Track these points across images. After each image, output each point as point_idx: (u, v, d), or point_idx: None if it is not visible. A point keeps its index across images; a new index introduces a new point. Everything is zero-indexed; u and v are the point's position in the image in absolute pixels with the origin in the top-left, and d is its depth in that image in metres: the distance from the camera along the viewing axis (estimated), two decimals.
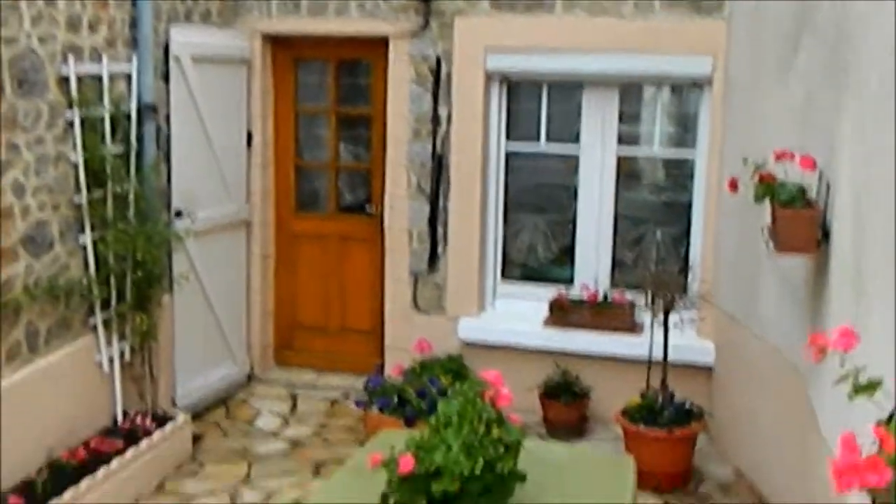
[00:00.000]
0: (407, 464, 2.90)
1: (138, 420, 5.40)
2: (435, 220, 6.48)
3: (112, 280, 5.30)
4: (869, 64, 3.50)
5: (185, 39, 5.92)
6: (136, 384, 5.59)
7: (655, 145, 6.60)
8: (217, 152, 6.32)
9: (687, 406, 5.42)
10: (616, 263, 6.46)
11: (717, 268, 5.89)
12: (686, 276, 5.76)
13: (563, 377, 6.06)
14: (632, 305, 6.16)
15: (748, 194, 4.26)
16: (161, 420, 5.49)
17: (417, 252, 6.55)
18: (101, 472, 4.84)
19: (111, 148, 5.26)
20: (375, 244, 6.78)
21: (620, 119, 6.34)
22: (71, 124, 5.05)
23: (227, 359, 6.59)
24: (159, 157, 5.74)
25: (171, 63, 5.82)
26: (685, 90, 6.37)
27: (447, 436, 2.99)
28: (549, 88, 6.50)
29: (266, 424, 6.25)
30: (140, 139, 5.53)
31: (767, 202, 4.17)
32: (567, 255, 6.60)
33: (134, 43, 5.53)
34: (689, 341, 5.90)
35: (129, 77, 5.50)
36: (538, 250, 6.77)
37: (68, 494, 4.58)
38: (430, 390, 5.58)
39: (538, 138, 6.53)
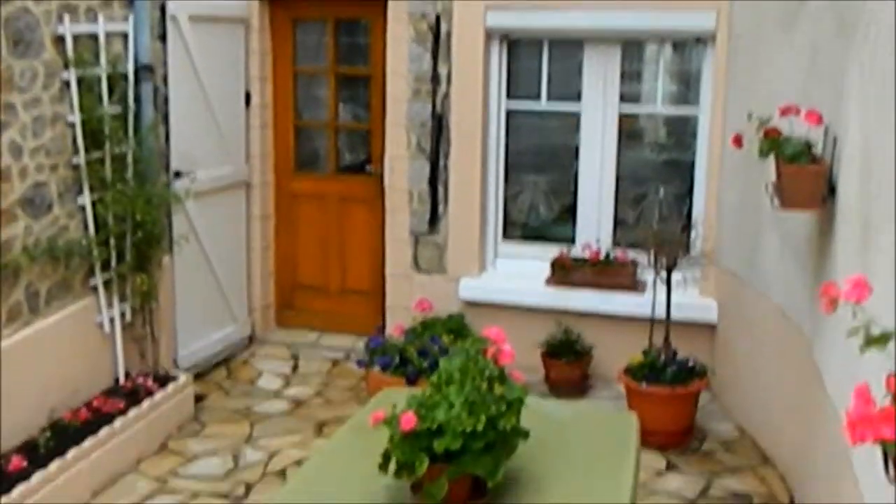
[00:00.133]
0: (409, 421, 2.88)
1: (140, 380, 5.40)
2: (435, 179, 6.43)
3: (112, 241, 5.29)
4: (877, 15, 3.44)
5: None
6: (138, 345, 5.60)
7: (658, 103, 6.55)
8: (215, 113, 6.27)
9: (689, 364, 5.40)
10: (618, 222, 6.42)
11: (720, 226, 5.86)
12: (689, 235, 5.73)
13: (565, 336, 6.04)
14: (634, 264, 6.14)
15: (752, 150, 4.21)
16: (163, 380, 5.50)
17: (418, 212, 6.52)
18: (104, 431, 4.85)
19: (108, 108, 5.22)
20: (376, 204, 6.75)
21: (622, 77, 6.27)
22: (67, 84, 5.01)
23: (228, 319, 6.58)
24: (157, 118, 5.69)
25: (168, 22, 5.75)
26: (688, 47, 6.30)
27: (449, 393, 2.97)
28: (549, 46, 6.42)
29: (268, 384, 6.26)
30: (137, 100, 5.49)
31: (772, 158, 4.12)
32: (569, 214, 6.55)
33: (130, 2, 5.47)
34: (691, 299, 5.90)
35: (125, 36, 5.45)
36: (539, 209, 6.73)
37: (71, 454, 4.59)
38: (432, 349, 5.57)
39: (539, 97, 6.47)
